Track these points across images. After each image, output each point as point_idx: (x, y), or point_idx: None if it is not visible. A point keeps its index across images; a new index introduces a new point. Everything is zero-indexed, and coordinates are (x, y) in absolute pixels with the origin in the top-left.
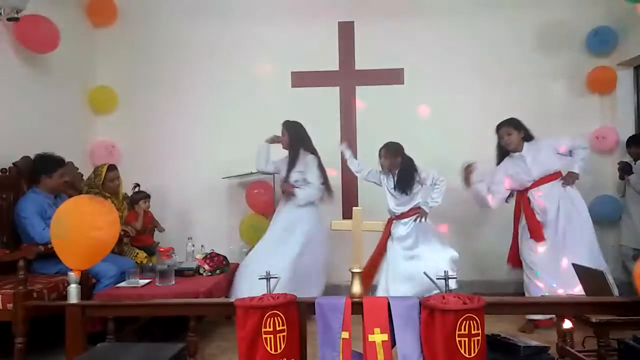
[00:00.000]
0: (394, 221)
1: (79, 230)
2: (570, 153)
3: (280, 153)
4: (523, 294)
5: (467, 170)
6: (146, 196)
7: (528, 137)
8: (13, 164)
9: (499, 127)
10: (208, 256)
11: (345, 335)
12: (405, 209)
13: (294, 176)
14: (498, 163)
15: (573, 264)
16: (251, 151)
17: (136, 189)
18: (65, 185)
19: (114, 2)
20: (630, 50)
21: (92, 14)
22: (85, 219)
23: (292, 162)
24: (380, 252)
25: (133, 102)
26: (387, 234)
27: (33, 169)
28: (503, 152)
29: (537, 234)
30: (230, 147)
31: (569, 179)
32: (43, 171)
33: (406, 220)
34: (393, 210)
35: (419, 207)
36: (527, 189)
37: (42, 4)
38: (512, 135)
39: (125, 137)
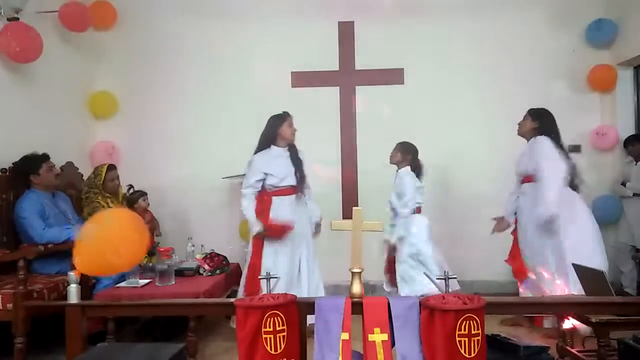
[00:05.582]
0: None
1: (100, 247)
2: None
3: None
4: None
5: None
6: (143, 194)
7: (546, 132)
8: (13, 164)
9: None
10: (208, 256)
11: (345, 336)
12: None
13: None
14: None
15: (573, 264)
16: (251, 151)
17: (130, 190)
18: (58, 178)
19: (114, 6)
20: (630, 50)
21: (92, 18)
22: (112, 240)
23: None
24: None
25: (133, 103)
26: None
27: (21, 173)
28: None
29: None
30: (230, 147)
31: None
32: (30, 171)
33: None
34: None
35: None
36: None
37: (42, 7)
38: (525, 121)
39: (125, 138)
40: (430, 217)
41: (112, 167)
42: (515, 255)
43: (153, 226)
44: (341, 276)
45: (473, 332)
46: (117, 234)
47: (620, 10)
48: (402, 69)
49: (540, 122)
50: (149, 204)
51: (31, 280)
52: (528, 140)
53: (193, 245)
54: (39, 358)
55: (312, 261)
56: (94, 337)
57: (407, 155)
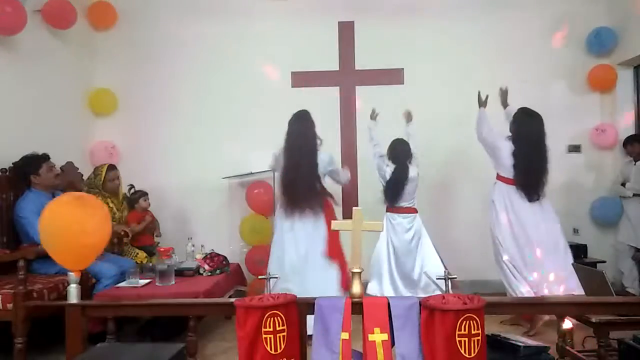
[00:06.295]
0: None
1: (67, 237)
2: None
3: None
4: None
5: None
6: (144, 194)
7: (515, 133)
8: (13, 164)
9: None
10: (208, 256)
11: (345, 335)
12: None
13: None
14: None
15: (573, 264)
16: (251, 151)
17: (132, 190)
18: (58, 178)
19: (113, 6)
20: (631, 50)
21: (92, 18)
22: (73, 226)
23: None
24: None
25: (133, 104)
26: None
27: (21, 173)
28: None
29: None
30: (231, 147)
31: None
32: (30, 171)
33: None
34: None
35: None
36: None
37: (40, 6)
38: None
39: (125, 138)
40: (429, 216)
41: (112, 167)
42: None
43: (153, 226)
44: None
45: (473, 332)
46: (72, 219)
47: (621, 12)
48: (402, 69)
49: (513, 124)
50: (149, 204)
51: (31, 280)
52: None
53: (193, 245)
54: (39, 358)
55: None
56: (94, 337)
57: (390, 152)
